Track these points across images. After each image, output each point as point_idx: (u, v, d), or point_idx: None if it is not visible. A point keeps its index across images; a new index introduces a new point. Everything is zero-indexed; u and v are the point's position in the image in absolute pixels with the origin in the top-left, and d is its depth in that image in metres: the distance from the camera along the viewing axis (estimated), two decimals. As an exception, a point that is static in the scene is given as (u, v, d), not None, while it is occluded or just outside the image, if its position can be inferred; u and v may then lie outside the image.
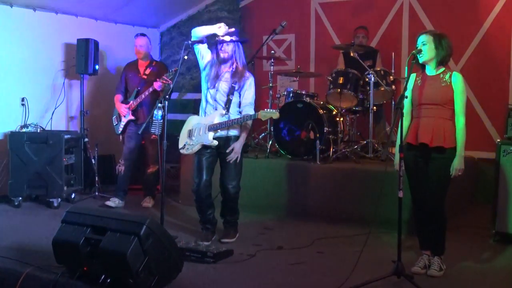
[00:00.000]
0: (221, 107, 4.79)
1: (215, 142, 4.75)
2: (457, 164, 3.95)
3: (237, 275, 4.08)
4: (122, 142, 6.57)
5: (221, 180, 4.92)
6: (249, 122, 4.82)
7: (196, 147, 4.83)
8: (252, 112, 4.77)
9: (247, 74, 4.86)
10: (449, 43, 4.03)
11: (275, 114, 4.63)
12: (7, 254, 4.26)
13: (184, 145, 4.90)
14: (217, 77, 4.83)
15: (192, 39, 4.85)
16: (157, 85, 6.20)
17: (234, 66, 4.83)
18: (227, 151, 4.77)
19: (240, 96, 4.82)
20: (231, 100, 4.78)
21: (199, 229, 5.07)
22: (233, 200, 4.94)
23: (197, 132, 4.82)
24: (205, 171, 4.85)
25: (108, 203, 6.32)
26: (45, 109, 7.03)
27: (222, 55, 4.79)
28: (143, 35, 6.60)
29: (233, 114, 4.81)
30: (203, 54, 4.91)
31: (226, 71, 4.83)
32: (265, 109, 4.68)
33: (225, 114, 4.77)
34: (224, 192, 4.91)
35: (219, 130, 4.75)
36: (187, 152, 4.92)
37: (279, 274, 4.12)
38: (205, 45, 4.88)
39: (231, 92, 4.78)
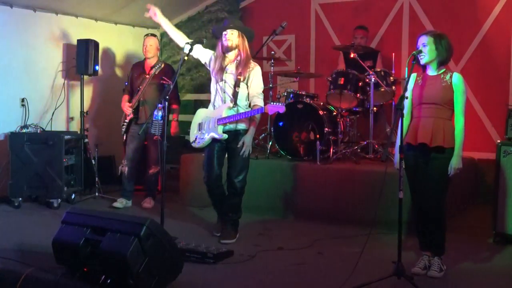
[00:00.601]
0: (229, 99, 4.83)
1: (225, 136, 4.82)
2: (455, 163, 3.96)
3: (237, 275, 4.08)
4: (124, 143, 6.55)
5: (228, 174, 4.95)
6: (258, 115, 4.84)
7: (207, 141, 4.89)
8: (261, 103, 4.81)
9: (252, 64, 4.89)
10: (449, 43, 4.03)
11: (281, 108, 4.62)
12: (7, 255, 4.26)
13: (196, 138, 4.96)
14: (222, 69, 4.88)
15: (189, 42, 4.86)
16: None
17: (238, 58, 4.86)
18: (238, 146, 4.80)
19: (248, 88, 4.86)
20: (237, 92, 4.81)
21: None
22: (239, 194, 4.97)
23: (207, 125, 4.88)
24: (216, 163, 4.92)
25: (116, 204, 6.34)
26: (45, 109, 7.03)
27: (226, 43, 4.83)
28: (153, 35, 6.62)
29: (242, 106, 4.84)
30: (200, 53, 4.99)
31: (230, 63, 4.88)
32: (272, 102, 4.70)
33: (233, 106, 4.80)
34: (230, 186, 4.95)
35: (228, 123, 4.80)
36: (198, 146, 4.98)
37: (279, 275, 4.12)
38: (199, 45, 4.92)
39: (237, 84, 4.81)
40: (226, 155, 5.00)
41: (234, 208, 5.01)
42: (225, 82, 4.86)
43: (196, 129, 4.98)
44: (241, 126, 4.87)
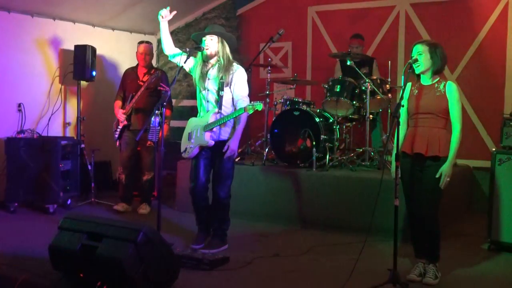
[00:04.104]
0: (213, 106, 4.75)
1: (212, 142, 4.69)
2: (446, 170, 3.97)
3: (233, 282, 4.08)
4: (119, 149, 6.58)
5: (212, 186, 4.89)
6: (243, 117, 4.69)
7: (196, 150, 4.79)
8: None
9: (234, 67, 4.75)
10: (444, 52, 4.06)
11: (260, 106, 4.45)
12: (2, 260, 4.26)
13: (186, 149, 4.86)
14: (204, 76, 4.79)
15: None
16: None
17: (219, 64, 4.74)
18: (224, 150, 4.68)
19: (231, 92, 4.74)
20: (221, 96, 4.70)
21: (195, 234, 5.08)
22: (223, 206, 4.86)
23: (195, 134, 4.78)
24: (202, 173, 4.84)
25: (116, 207, 6.38)
26: (41, 115, 7.03)
27: (205, 51, 4.73)
28: (147, 42, 6.61)
29: (226, 112, 4.72)
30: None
31: (212, 70, 4.77)
32: (251, 102, 4.54)
33: (218, 112, 4.70)
34: (213, 197, 4.86)
35: (214, 129, 4.69)
36: (187, 156, 4.86)
37: (275, 282, 4.13)
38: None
39: (220, 88, 4.70)
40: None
41: (218, 218, 4.89)
42: (207, 90, 4.77)
43: (186, 139, 4.87)
44: (225, 135, 4.75)
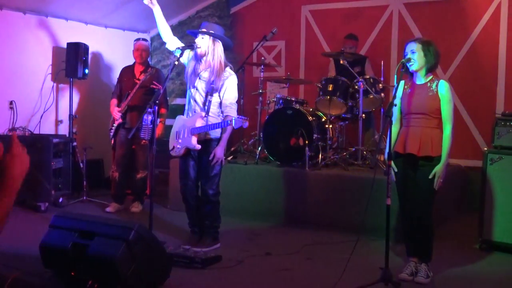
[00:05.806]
0: (199, 108, 4.71)
1: (199, 146, 4.67)
2: (440, 171, 3.98)
3: (225, 281, 4.08)
4: (113, 148, 6.54)
5: (200, 183, 4.88)
6: (229, 127, 4.64)
7: (183, 150, 4.78)
8: (233, 113, 4.63)
9: (227, 73, 4.69)
10: (437, 49, 4.06)
11: (244, 123, 4.40)
12: (-7, 258, 4.24)
13: (173, 147, 4.86)
14: (195, 74, 4.74)
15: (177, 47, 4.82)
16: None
17: (210, 65, 4.68)
18: (210, 158, 4.68)
19: (220, 97, 4.70)
20: (210, 101, 4.66)
21: (188, 234, 5.07)
22: (212, 203, 4.83)
23: (182, 134, 4.75)
24: (191, 171, 4.84)
25: (108, 209, 6.34)
26: (33, 112, 6.99)
27: (197, 49, 4.68)
28: (144, 39, 6.59)
29: (213, 116, 4.69)
30: (184, 56, 4.83)
31: (203, 70, 4.72)
32: (238, 116, 4.46)
33: (204, 116, 4.66)
34: (202, 194, 4.86)
35: (199, 133, 4.68)
36: (175, 155, 4.89)
37: (267, 280, 4.13)
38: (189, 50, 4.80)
39: (210, 92, 4.65)
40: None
41: (209, 216, 4.86)
42: (196, 89, 4.72)
43: (174, 138, 4.84)
44: (211, 134, 4.71)
